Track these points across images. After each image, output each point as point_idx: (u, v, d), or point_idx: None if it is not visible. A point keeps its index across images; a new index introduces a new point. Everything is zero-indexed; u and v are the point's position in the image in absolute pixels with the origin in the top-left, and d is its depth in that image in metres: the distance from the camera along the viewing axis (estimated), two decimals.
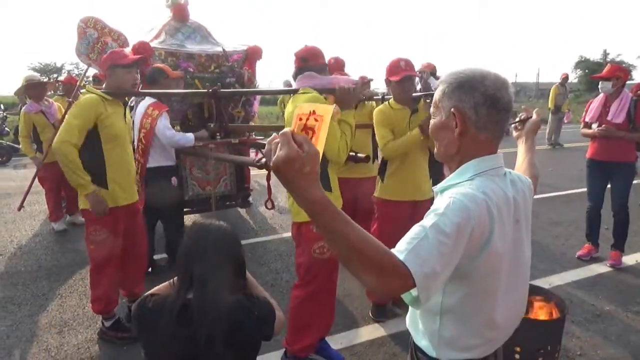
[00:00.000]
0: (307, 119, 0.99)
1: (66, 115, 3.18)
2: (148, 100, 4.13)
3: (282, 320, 1.86)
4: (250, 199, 6.01)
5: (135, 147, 4.04)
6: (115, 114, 3.26)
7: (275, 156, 0.94)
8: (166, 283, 1.84)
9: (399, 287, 1.09)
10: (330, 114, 0.99)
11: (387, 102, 3.54)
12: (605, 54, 40.25)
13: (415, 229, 1.16)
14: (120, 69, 3.27)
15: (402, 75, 3.28)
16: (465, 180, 1.30)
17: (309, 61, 2.80)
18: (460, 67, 1.34)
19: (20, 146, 5.89)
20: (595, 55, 41.91)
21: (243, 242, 5.32)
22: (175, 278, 1.75)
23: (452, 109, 1.30)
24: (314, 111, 0.99)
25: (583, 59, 41.52)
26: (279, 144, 0.94)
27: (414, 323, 1.46)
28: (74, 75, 8.27)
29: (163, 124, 4.02)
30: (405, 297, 1.19)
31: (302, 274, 2.90)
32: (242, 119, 5.12)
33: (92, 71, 6.01)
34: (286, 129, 0.96)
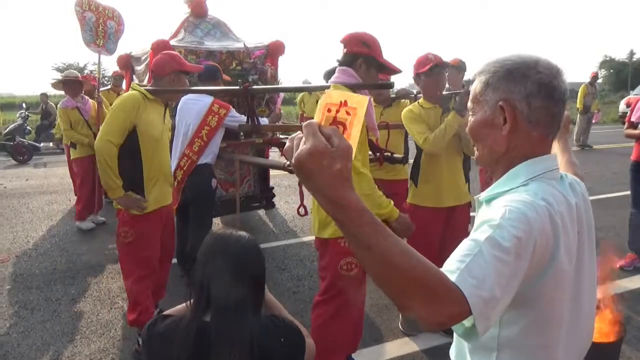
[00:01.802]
0: (338, 111, 0.84)
1: (107, 113, 3.08)
2: (200, 96, 3.96)
3: (313, 349, 1.63)
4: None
5: (188, 142, 3.90)
6: (155, 114, 3.13)
7: (297, 151, 0.78)
8: (182, 305, 1.62)
9: (453, 316, 0.88)
10: (365, 107, 0.83)
11: (417, 102, 3.32)
12: (632, 53, 39.24)
13: (466, 244, 0.96)
14: (184, 75, 3.24)
15: (430, 65, 3.06)
16: (519, 186, 1.10)
17: (345, 48, 2.52)
18: (503, 55, 1.15)
19: (67, 141, 5.86)
20: (620, 55, 40.89)
21: (262, 246, 5.16)
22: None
23: (500, 102, 1.11)
24: (345, 101, 0.83)
25: (608, 59, 40.59)
26: (303, 137, 0.80)
27: (462, 358, 1.22)
28: (94, 74, 8.32)
29: (238, 118, 3.98)
30: (457, 328, 0.97)
31: (324, 287, 2.62)
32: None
33: (107, 65, 6.20)
34: (312, 120, 0.82)
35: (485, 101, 1.14)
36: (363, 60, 2.49)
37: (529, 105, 1.09)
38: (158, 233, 3.20)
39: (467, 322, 0.92)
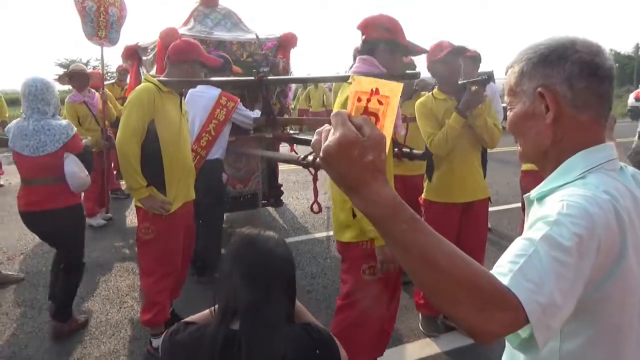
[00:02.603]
0: (369, 101, 0.78)
1: (124, 111, 2.91)
2: (207, 88, 3.85)
3: (345, 358, 1.49)
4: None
5: (195, 137, 3.76)
6: (171, 105, 2.99)
7: (326, 143, 0.72)
8: (206, 311, 1.49)
9: (506, 324, 0.78)
10: (398, 95, 0.76)
11: (430, 93, 3.17)
12: (637, 47, 38.84)
13: (518, 244, 0.87)
14: (199, 65, 3.09)
15: (446, 51, 2.89)
16: (575, 180, 0.98)
17: (363, 35, 2.34)
18: (536, 40, 1.05)
19: None
20: (625, 49, 40.52)
21: None
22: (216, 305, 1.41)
23: (539, 89, 1.01)
24: (376, 89, 0.77)
25: (613, 52, 40.19)
26: (332, 127, 0.74)
27: None
28: (98, 70, 8.19)
29: (245, 113, 3.90)
30: (512, 340, 0.87)
31: (346, 292, 2.47)
32: (277, 111, 4.76)
33: (110, 60, 6.09)
34: (341, 110, 0.76)
35: (523, 91, 1.05)
36: (386, 46, 2.30)
37: (571, 88, 0.99)
38: (181, 229, 3.06)
39: (523, 333, 0.83)
